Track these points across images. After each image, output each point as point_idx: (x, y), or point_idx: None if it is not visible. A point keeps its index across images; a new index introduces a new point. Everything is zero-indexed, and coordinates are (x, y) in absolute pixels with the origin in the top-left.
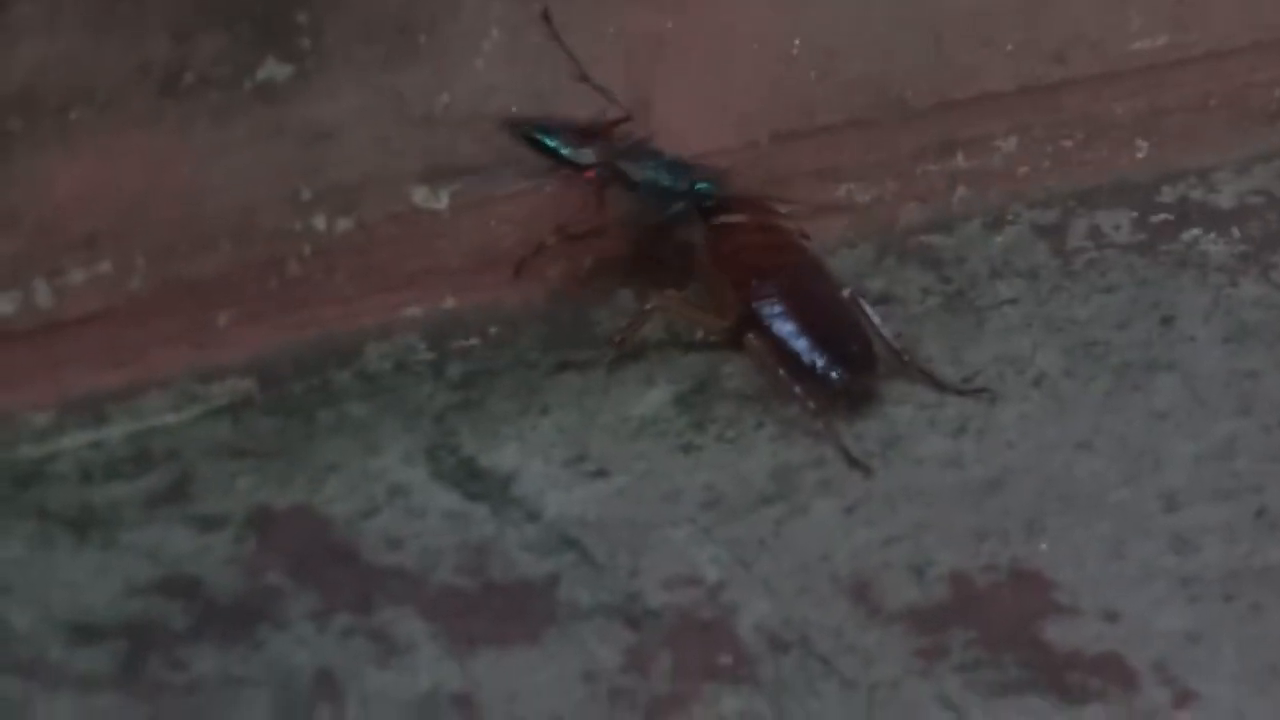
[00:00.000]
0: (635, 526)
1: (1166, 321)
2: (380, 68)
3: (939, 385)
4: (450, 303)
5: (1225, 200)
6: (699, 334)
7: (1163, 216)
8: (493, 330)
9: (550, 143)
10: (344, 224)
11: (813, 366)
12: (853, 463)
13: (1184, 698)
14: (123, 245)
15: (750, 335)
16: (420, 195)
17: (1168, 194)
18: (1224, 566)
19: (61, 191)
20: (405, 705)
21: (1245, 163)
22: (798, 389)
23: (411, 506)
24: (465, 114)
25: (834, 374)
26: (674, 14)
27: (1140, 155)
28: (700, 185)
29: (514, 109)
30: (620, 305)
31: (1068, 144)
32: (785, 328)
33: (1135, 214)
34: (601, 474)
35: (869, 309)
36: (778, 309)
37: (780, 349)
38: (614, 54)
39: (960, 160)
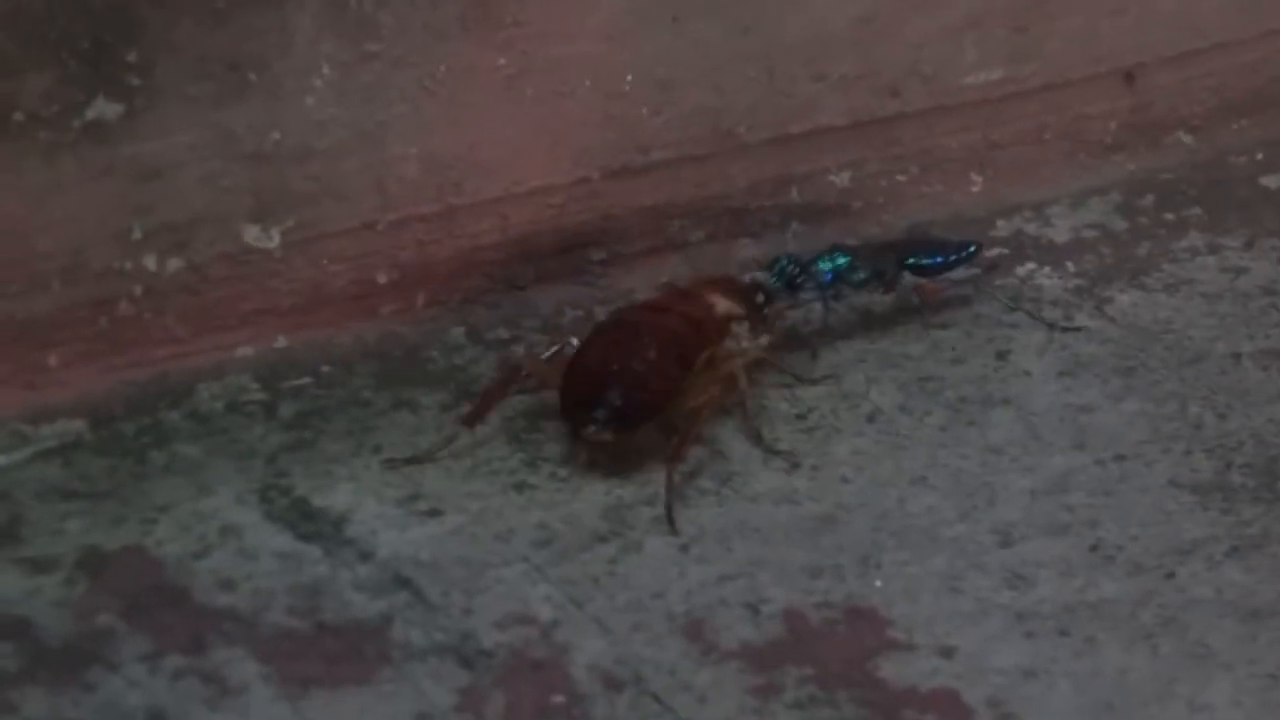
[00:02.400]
0: (469, 566)
1: (1001, 356)
2: (211, 105)
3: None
4: (282, 342)
5: (1060, 234)
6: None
7: (998, 251)
8: (325, 369)
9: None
10: (175, 263)
11: (563, 406)
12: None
13: None
14: None
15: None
16: (251, 234)
17: (1003, 228)
18: (1059, 601)
19: None
20: None
21: (1080, 196)
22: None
23: (244, 547)
24: (296, 151)
25: (580, 422)
26: (505, 50)
27: (975, 189)
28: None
29: None
30: (452, 342)
31: (902, 178)
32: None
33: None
34: (434, 513)
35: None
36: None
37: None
38: (446, 90)
39: (794, 195)
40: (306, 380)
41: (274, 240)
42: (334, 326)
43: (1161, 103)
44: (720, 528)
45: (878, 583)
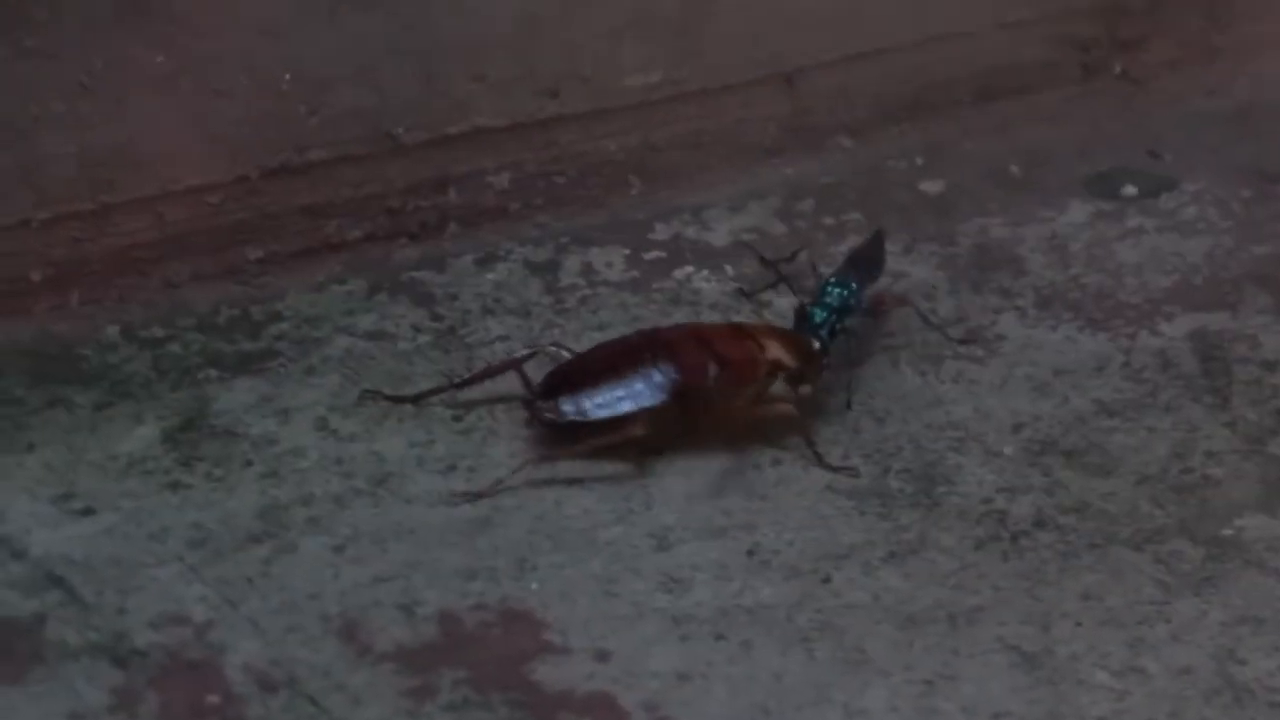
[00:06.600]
0: (122, 565)
1: None
2: None
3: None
4: None
5: (718, 238)
6: (195, 372)
7: (656, 254)
8: None
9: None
10: None
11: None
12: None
13: None
14: None
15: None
16: None
17: (661, 231)
18: (715, 605)
19: None
20: None
21: (739, 199)
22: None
23: None
24: None
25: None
26: (163, 46)
27: (634, 192)
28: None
29: None
30: (106, 340)
31: (560, 180)
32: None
33: (628, 251)
34: (89, 512)
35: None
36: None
37: None
38: (104, 86)
39: (452, 196)
40: None
41: None
42: None
43: (821, 107)
44: (375, 529)
45: (534, 585)
